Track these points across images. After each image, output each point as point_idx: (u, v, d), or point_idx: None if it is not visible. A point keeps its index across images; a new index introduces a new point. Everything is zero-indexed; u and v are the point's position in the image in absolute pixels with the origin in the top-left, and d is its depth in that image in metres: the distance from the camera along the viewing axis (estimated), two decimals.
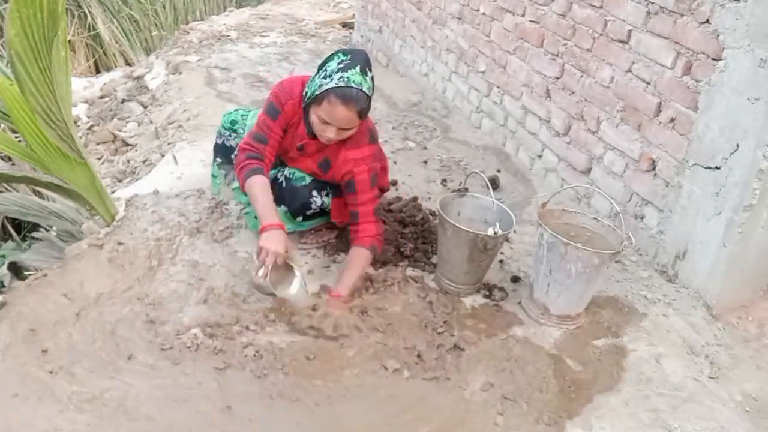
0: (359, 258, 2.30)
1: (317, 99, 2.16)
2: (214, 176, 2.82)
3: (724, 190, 2.25)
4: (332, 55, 2.22)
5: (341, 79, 2.11)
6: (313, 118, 2.21)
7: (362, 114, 2.17)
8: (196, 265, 2.39)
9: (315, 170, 2.40)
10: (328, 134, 2.20)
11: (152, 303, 2.19)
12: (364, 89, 2.12)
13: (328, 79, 2.14)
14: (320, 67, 2.21)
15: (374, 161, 2.33)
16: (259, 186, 2.25)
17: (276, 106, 2.32)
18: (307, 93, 2.23)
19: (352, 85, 2.10)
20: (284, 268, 2.21)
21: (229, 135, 2.68)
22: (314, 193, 2.40)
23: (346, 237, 2.60)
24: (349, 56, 2.17)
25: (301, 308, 2.16)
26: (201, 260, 2.43)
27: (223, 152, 2.73)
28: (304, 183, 2.40)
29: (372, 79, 2.19)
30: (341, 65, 2.15)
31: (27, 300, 2.14)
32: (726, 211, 2.25)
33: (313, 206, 2.41)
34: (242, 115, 2.70)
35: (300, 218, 2.45)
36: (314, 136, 2.29)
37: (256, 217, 2.33)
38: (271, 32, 5.77)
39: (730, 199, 2.23)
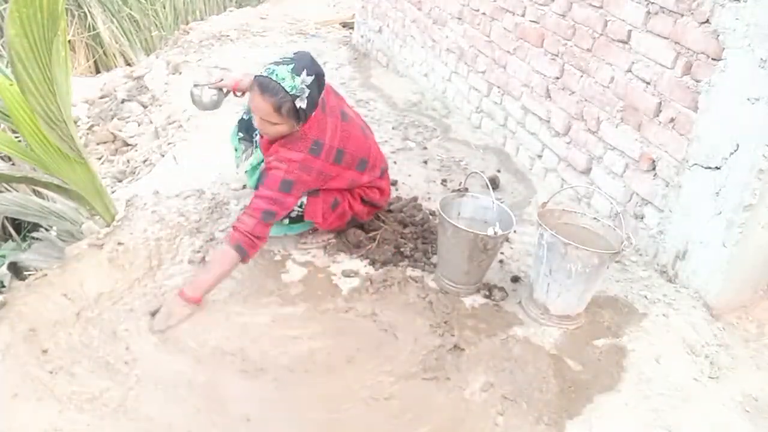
0: (220, 258, 2.17)
1: (251, 87, 2.23)
2: (236, 149, 2.80)
3: (724, 190, 2.25)
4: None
5: (267, 70, 2.17)
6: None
7: (281, 109, 2.14)
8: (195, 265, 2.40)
9: (267, 156, 2.39)
10: (255, 122, 2.28)
11: (152, 303, 2.20)
12: (283, 85, 2.12)
13: (262, 69, 2.20)
14: None
15: (301, 171, 2.23)
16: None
17: None
18: None
19: (273, 78, 2.13)
20: None
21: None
22: None
23: (346, 237, 2.60)
24: (293, 55, 2.22)
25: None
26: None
27: (245, 127, 2.73)
28: None
29: (309, 83, 2.15)
30: (279, 60, 2.20)
31: (27, 300, 2.14)
32: (726, 211, 2.25)
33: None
34: None
35: (286, 220, 2.42)
36: None
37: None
38: (271, 32, 5.76)
39: (730, 199, 2.23)
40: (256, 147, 2.66)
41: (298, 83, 2.14)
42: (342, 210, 2.48)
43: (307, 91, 2.16)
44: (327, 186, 2.38)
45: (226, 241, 2.17)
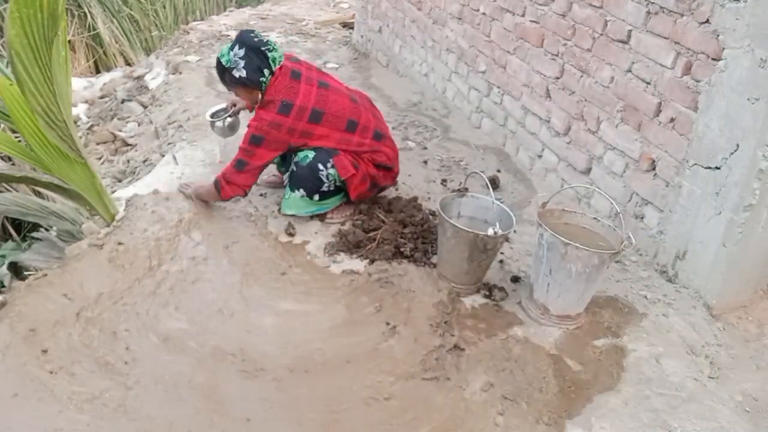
0: (208, 183, 2.72)
1: None
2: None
3: (724, 190, 2.25)
4: None
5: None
6: None
7: (224, 79, 2.59)
8: (195, 264, 2.40)
9: None
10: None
11: (152, 302, 2.20)
12: (221, 60, 2.55)
13: None
14: None
15: (270, 127, 2.53)
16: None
17: None
18: None
19: (218, 57, 2.57)
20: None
21: None
22: (320, 166, 2.58)
23: (346, 237, 2.60)
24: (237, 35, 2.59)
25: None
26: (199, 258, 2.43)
27: None
28: (308, 160, 2.60)
29: (242, 55, 2.49)
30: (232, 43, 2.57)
31: (27, 300, 2.14)
32: (726, 211, 2.25)
33: (323, 179, 2.59)
34: None
35: (316, 197, 2.65)
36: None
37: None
38: (271, 32, 5.76)
39: (730, 199, 2.23)
40: None
41: (231, 57, 2.53)
42: (363, 172, 2.67)
43: (242, 62, 2.50)
44: (318, 143, 2.61)
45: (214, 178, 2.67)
